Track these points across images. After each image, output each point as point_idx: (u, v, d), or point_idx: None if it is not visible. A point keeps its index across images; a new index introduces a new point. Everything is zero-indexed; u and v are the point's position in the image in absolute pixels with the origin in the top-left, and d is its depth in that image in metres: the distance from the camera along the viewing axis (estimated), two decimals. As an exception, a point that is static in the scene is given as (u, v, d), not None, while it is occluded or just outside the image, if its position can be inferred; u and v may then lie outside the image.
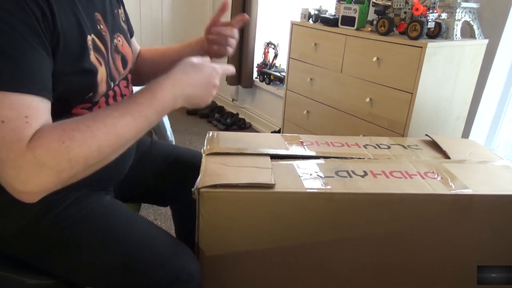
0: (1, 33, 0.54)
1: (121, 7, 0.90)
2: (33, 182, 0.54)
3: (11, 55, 0.55)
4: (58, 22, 0.61)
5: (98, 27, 0.73)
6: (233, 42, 0.96)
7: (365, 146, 1.04)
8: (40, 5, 0.58)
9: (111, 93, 0.79)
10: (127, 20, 0.94)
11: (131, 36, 0.98)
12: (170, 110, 0.69)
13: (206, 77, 0.74)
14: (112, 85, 0.78)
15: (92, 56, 0.69)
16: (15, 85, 0.55)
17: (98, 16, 0.74)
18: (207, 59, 0.77)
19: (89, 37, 0.69)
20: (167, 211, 1.92)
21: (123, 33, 0.86)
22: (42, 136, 0.55)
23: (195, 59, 0.75)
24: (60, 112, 0.64)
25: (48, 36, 0.60)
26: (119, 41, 0.82)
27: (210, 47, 0.98)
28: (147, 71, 1.04)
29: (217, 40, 0.97)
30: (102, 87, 0.73)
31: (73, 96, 0.69)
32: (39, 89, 0.58)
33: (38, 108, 0.57)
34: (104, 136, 0.59)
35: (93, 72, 0.70)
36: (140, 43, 1.07)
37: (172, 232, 1.15)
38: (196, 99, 0.73)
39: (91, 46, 0.69)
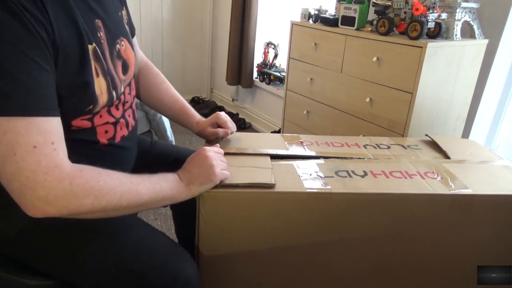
0: (10, 58, 0.56)
1: (124, 8, 0.88)
2: (56, 204, 0.60)
3: (23, 80, 0.57)
4: (57, 35, 0.61)
5: (98, 35, 0.72)
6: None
7: (365, 146, 1.04)
8: (41, 21, 0.58)
9: (115, 101, 0.78)
10: (129, 21, 0.93)
11: (134, 35, 0.98)
12: (182, 194, 0.76)
13: (201, 161, 0.81)
14: (115, 94, 0.76)
15: (93, 67, 0.68)
16: (35, 110, 0.58)
17: (98, 23, 0.72)
18: (208, 147, 0.85)
19: (90, 47, 0.68)
20: (167, 211, 1.91)
21: (126, 37, 0.84)
22: (83, 171, 0.63)
23: (195, 153, 0.83)
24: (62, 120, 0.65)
25: (50, 49, 0.60)
26: (123, 45, 0.80)
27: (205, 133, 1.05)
28: (141, 92, 1.05)
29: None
30: (102, 99, 0.72)
31: (72, 109, 0.69)
32: (53, 109, 0.61)
33: (58, 131, 0.62)
34: (128, 190, 0.67)
35: (92, 84, 0.69)
36: (140, 43, 1.06)
37: (172, 232, 1.15)
38: (201, 179, 0.78)
39: (91, 56, 0.68)
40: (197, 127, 1.04)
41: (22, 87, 0.57)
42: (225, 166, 0.83)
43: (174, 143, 2.14)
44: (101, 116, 0.75)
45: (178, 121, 1.07)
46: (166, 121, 2.05)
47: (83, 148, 0.74)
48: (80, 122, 0.72)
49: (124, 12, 0.87)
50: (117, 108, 0.80)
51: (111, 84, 0.74)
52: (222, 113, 1.03)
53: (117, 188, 0.66)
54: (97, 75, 0.70)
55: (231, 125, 1.02)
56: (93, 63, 0.68)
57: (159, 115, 1.97)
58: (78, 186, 0.61)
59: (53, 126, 0.60)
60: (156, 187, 0.72)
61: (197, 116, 1.06)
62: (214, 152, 0.83)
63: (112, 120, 0.78)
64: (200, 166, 0.79)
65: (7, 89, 0.56)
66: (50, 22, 0.60)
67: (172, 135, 2.12)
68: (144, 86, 1.05)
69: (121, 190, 0.66)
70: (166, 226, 1.82)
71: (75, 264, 0.73)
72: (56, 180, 0.59)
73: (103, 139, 0.77)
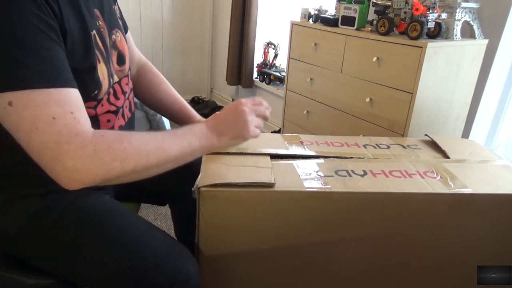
0: (31, 35, 0.57)
1: (116, 4, 0.91)
2: (87, 172, 0.60)
3: (40, 52, 0.58)
4: (65, 19, 0.63)
5: (97, 23, 0.74)
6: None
7: (364, 146, 1.04)
8: (51, 4, 0.60)
9: (111, 90, 0.79)
10: (121, 17, 0.95)
11: (127, 31, 0.99)
12: (211, 145, 0.76)
13: (236, 115, 0.79)
14: (111, 81, 0.78)
15: (96, 53, 0.71)
16: (53, 81, 0.59)
17: (97, 12, 0.75)
18: (245, 100, 0.82)
19: (92, 33, 0.70)
20: (167, 211, 1.91)
21: (121, 29, 0.87)
22: (105, 135, 0.63)
23: (230, 105, 0.82)
24: None
25: (59, 32, 0.62)
26: (118, 36, 0.83)
27: None
28: (141, 93, 1.05)
29: None
30: (104, 84, 0.74)
31: (80, 94, 0.69)
32: (70, 81, 0.62)
33: (77, 101, 0.62)
34: (154, 147, 0.67)
35: (97, 69, 0.71)
36: (140, 43, 1.08)
37: (172, 232, 1.15)
38: (232, 133, 0.78)
39: (94, 43, 0.70)
40: None
41: (39, 59, 0.58)
42: (260, 123, 0.82)
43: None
44: (102, 105, 0.76)
45: (178, 121, 1.07)
46: (166, 121, 2.05)
47: None
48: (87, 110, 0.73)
49: (115, 7, 0.89)
50: (116, 97, 0.81)
51: (109, 72, 0.77)
52: None
53: (142, 147, 0.66)
54: (99, 61, 0.72)
55: None
56: (95, 49, 0.70)
57: (159, 115, 1.97)
58: (102, 151, 0.61)
59: (71, 96, 0.61)
60: (184, 142, 0.71)
61: (197, 116, 1.06)
62: (250, 107, 0.81)
63: (113, 108, 0.80)
64: (234, 119, 0.78)
65: (26, 62, 0.57)
66: (59, 6, 0.62)
67: (172, 135, 2.11)
68: (143, 86, 1.05)
69: (147, 149, 0.66)
70: (166, 226, 1.82)
71: (75, 262, 0.73)
72: (79, 148, 0.59)
73: (105, 128, 0.79)
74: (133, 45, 1.05)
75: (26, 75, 0.57)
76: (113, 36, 0.81)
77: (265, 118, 0.85)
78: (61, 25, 0.62)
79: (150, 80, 1.06)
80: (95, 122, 0.76)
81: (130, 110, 0.90)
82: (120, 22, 0.89)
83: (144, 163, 0.66)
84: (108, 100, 0.78)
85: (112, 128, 0.81)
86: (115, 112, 0.81)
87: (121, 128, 0.84)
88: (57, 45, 0.61)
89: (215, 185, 0.78)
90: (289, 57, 2.15)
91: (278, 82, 2.92)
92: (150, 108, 1.10)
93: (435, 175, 0.89)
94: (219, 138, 0.76)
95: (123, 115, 0.85)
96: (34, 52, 0.57)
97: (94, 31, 0.71)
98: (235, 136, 0.78)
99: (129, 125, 0.89)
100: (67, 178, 0.60)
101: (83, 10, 0.68)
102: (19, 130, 0.59)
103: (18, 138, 0.60)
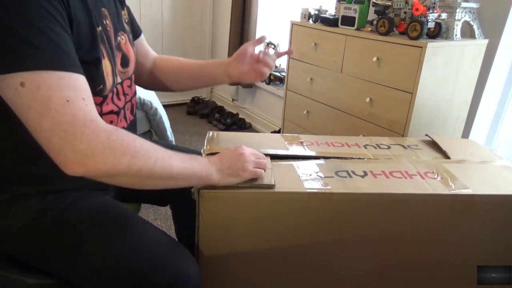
0: (41, 18, 0.57)
1: (125, 9, 0.91)
2: (96, 159, 0.59)
3: (52, 36, 0.58)
4: (72, 11, 0.63)
5: (104, 22, 0.75)
6: (267, 72, 0.97)
7: (365, 146, 1.04)
8: None
9: (114, 90, 0.79)
10: (131, 21, 0.95)
11: (139, 35, 0.99)
12: (209, 177, 0.75)
13: (236, 157, 0.80)
14: (115, 80, 0.79)
15: (101, 48, 0.71)
16: (63, 65, 0.59)
17: (104, 11, 0.76)
18: (243, 147, 0.84)
19: (98, 29, 0.71)
20: (167, 211, 1.91)
21: (127, 33, 0.87)
22: (119, 130, 0.63)
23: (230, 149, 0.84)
24: None
25: (67, 22, 0.62)
26: (122, 39, 0.83)
27: (241, 70, 0.97)
28: (167, 78, 1.04)
29: (253, 65, 0.97)
30: (109, 80, 0.74)
31: None
32: (80, 68, 0.62)
33: (86, 90, 0.62)
34: (161, 158, 0.67)
35: (102, 63, 0.71)
36: (140, 43, 1.07)
37: (172, 232, 1.15)
38: (231, 171, 0.78)
39: (99, 38, 0.71)
40: (229, 76, 0.99)
41: (51, 42, 0.58)
42: (263, 165, 0.82)
43: (174, 143, 2.14)
44: (107, 104, 0.77)
45: (217, 81, 1.03)
46: (166, 121, 2.05)
47: None
48: None
49: (124, 12, 0.89)
50: (118, 98, 0.81)
51: (113, 70, 0.77)
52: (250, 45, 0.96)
53: (152, 153, 0.66)
54: (103, 57, 0.72)
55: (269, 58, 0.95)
56: (100, 45, 0.71)
57: (159, 115, 1.97)
58: (116, 142, 0.61)
59: (81, 83, 0.61)
60: (187, 164, 0.71)
61: (217, 66, 1.00)
62: (250, 152, 0.82)
63: (115, 109, 0.80)
64: (233, 160, 0.79)
65: (37, 43, 0.57)
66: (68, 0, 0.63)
67: (172, 135, 2.12)
68: (167, 72, 1.04)
69: (156, 156, 0.66)
70: (166, 226, 1.82)
71: (75, 262, 0.73)
72: (93, 133, 0.59)
73: None
74: (147, 45, 1.05)
75: (38, 57, 0.57)
76: (119, 38, 0.81)
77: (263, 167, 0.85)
78: (68, 13, 0.62)
79: (170, 64, 1.05)
80: None
81: (131, 112, 0.90)
82: (128, 27, 0.90)
83: (149, 169, 0.65)
84: (112, 99, 0.78)
85: None
86: (117, 113, 0.81)
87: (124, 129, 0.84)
88: (65, 31, 0.61)
89: (215, 187, 0.78)
90: (289, 57, 2.15)
91: (278, 82, 2.92)
92: (183, 90, 1.08)
93: (436, 176, 0.89)
94: (218, 173, 0.76)
95: (125, 117, 0.85)
96: (44, 35, 0.57)
97: (101, 28, 0.72)
98: (232, 174, 0.78)
99: (131, 128, 0.89)
100: (73, 162, 0.59)
101: (90, 6, 0.69)
102: (31, 111, 0.58)
103: (27, 120, 0.59)
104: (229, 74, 0.98)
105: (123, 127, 0.84)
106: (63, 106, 0.57)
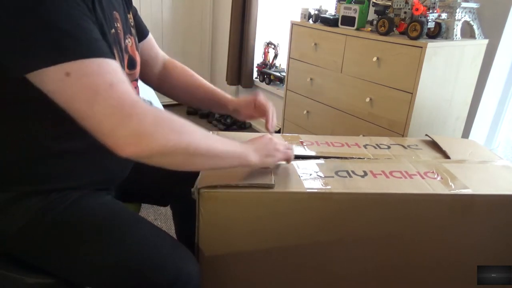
0: (75, 12, 0.60)
1: (130, 12, 0.91)
2: (148, 137, 0.60)
3: (83, 26, 0.60)
4: (95, 13, 0.66)
5: (116, 25, 0.76)
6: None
7: (365, 146, 1.04)
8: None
9: None
10: (138, 22, 0.96)
11: (146, 34, 1.00)
12: (248, 156, 0.77)
13: (266, 139, 0.84)
14: None
15: (113, 48, 0.72)
16: (100, 52, 0.61)
17: (116, 14, 0.76)
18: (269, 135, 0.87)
19: (111, 31, 0.72)
20: (167, 211, 1.91)
21: (133, 36, 0.87)
22: (162, 109, 0.65)
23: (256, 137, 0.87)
24: None
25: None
26: (129, 42, 0.84)
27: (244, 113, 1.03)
28: (178, 91, 1.06)
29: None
30: None
31: None
32: (112, 54, 0.65)
33: (123, 73, 0.64)
34: (204, 136, 0.69)
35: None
36: (140, 43, 1.07)
37: (172, 232, 1.15)
38: (265, 152, 0.81)
39: (112, 40, 0.72)
40: (231, 109, 1.03)
41: (86, 32, 0.60)
42: (290, 148, 0.86)
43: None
44: None
45: (213, 109, 1.07)
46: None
47: (94, 138, 0.76)
48: None
49: (129, 15, 0.90)
50: None
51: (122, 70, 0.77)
52: (262, 96, 0.99)
53: (196, 131, 0.67)
54: (115, 59, 0.73)
55: (272, 117, 0.98)
56: (113, 47, 0.72)
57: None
58: (163, 120, 0.63)
59: (118, 67, 0.63)
60: (227, 144, 0.73)
61: (229, 100, 1.03)
62: (276, 138, 0.85)
63: None
64: (264, 143, 0.82)
65: (75, 34, 0.59)
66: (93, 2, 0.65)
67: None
68: (172, 84, 1.05)
69: (199, 134, 0.68)
70: (166, 226, 1.82)
71: (75, 262, 0.73)
72: (142, 112, 0.60)
73: None
74: (156, 46, 1.05)
75: (77, 46, 0.58)
76: (126, 41, 0.82)
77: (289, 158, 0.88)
78: (92, 15, 0.65)
79: (178, 77, 1.05)
80: None
81: None
82: (134, 31, 0.90)
83: (196, 147, 0.66)
84: None
85: None
86: None
87: None
88: (93, 24, 0.63)
89: (215, 186, 0.78)
90: (289, 57, 2.15)
91: (278, 82, 2.92)
92: (183, 103, 1.10)
93: (436, 176, 0.89)
94: (254, 153, 0.78)
95: None
96: (80, 26, 0.59)
97: (113, 30, 0.73)
98: (268, 155, 0.80)
99: None
100: (126, 143, 0.60)
101: (105, 9, 0.71)
102: (80, 99, 0.59)
103: (76, 109, 0.60)
104: (238, 111, 1.03)
105: None
106: (108, 90, 0.59)
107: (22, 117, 0.70)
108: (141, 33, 0.97)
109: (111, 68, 0.62)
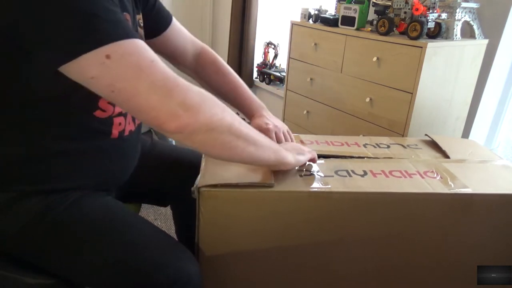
0: (110, 3, 0.61)
1: (140, 13, 0.90)
2: (194, 110, 0.61)
3: (118, 13, 0.62)
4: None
5: None
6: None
7: (364, 146, 1.04)
8: None
9: None
10: (159, 12, 0.95)
11: (170, 22, 0.97)
12: (280, 153, 0.79)
13: (291, 144, 0.90)
14: None
15: None
16: (134, 35, 0.62)
17: (126, 16, 0.76)
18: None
19: None
20: (167, 211, 1.92)
21: (141, 38, 0.87)
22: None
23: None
24: (87, 102, 0.71)
25: None
26: None
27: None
28: (211, 92, 1.04)
29: None
30: None
31: None
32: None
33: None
34: (240, 120, 0.69)
35: None
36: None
37: (172, 232, 1.15)
38: (295, 151, 0.84)
39: None
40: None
41: (116, 15, 0.61)
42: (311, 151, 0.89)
43: (174, 143, 2.14)
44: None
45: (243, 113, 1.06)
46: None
47: (97, 139, 0.77)
48: (105, 104, 0.74)
49: (139, 16, 0.89)
50: None
51: None
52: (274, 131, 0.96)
53: (235, 115, 0.69)
54: None
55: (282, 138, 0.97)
56: None
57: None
58: (206, 94, 0.64)
59: (148, 47, 0.63)
60: (260, 135, 0.74)
61: (249, 113, 1.03)
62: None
63: (124, 111, 0.80)
64: (290, 145, 0.86)
65: (109, 18, 0.59)
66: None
67: (172, 135, 2.11)
68: (204, 78, 1.04)
69: (238, 118, 0.69)
70: (166, 226, 1.82)
71: (75, 262, 0.73)
72: (186, 85, 0.62)
73: (115, 130, 0.79)
74: (185, 35, 1.02)
75: (112, 29, 0.59)
76: None
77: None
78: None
79: (209, 78, 1.04)
80: (109, 124, 0.77)
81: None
82: (141, 31, 0.90)
83: (237, 126, 0.67)
84: None
85: (123, 131, 0.81)
86: (125, 116, 0.81)
87: (132, 133, 0.84)
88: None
89: (215, 186, 0.78)
90: (289, 57, 2.15)
91: (278, 82, 2.92)
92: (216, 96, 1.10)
93: (435, 175, 0.89)
94: (287, 151, 0.79)
95: (133, 120, 0.85)
96: (113, 12, 0.60)
97: None
98: (299, 153, 0.83)
99: (138, 131, 0.90)
100: (175, 117, 0.60)
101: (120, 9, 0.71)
102: (124, 78, 0.59)
103: (120, 89, 0.59)
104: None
105: (131, 130, 0.84)
106: (151, 66, 0.60)
107: (25, 118, 0.70)
108: (160, 25, 0.95)
109: (146, 47, 0.62)
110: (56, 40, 0.57)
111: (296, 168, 0.87)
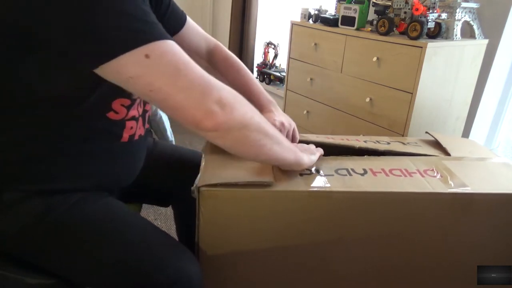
0: (136, 0, 0.60)
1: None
2: (230, 107, 0.62)
3: (152, 14, 0.62)
4: None
5: None
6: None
7: (364, 142, 1.04)
8: None
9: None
10: (173, 13, 0.94)
11: (184, 22, 0.97)
12: (296, 153, 0.80)
13: (302, 145, 0.89)
14: None
15: None
16: (168, 35, 0.62)
17: None
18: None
19: None
20: (167, 211, 1.92)
21: None
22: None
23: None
24: (101, 104, 0.72)
25: None
26: None
27: None
28: (225, 80, 1.04)
29: None
30: None
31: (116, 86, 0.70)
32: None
33: None
34: (264, 119, 0.71)
35: None
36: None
37: (172, 232, 1.15)
38: (307, 152, 0.85)
39: None
40: None
41: (151, 16, 0.61)
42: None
43: (174, 143, 2.14)
44: (133, 109, 0.78)
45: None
46: (166, 121, 2.05)
47: (105, 141, 0.77)
48: (119, 107, 0.74)
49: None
50: (140, 105, 0.82)
51: None
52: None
53: (260, 114, 0.70)
54: None
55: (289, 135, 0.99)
56: None
57: (159, 115, 1.97)
58: (236, 93, 0.65)
59: (181, 49, 0.64)
60: (282, 135, 0.75)
61: (260, 106, 1.03)
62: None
63: (137, 115, 0.80)
64: (300, 145, 0.87)
65: (146, 19, 0.60)
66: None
67: (172, 135, 2.12)
68: (218, 75, 1.04)
69: (263, 117, 0.70)
70: (166, 226, 1.82)
71: (76, 262, 0.73)
72: (220, 84, 0.63)
73: (126, 134, 0.79)
74: (199, 32, 1.02)
75: (149, 29, 0.59)
76: None
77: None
78: None
79: (223, 71, 1.04)
80: (121, 126, 0.77)
81: (148, 121, 0.90)
82: None
83: (264, 125, 0.69)
84: (138, 104, 0.79)
85: (133, 136, 0.81)
86: (137, 120, 0.81)
87: (141, 137, 0.85)
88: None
89: (215, 185, 0.78)
90: (289, 57, 2.15)
91: (278, 82, 2.92)
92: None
93: (435, 174, 0.89)
94: (303, 154, 0.81)
95: (143, 124, 0.85)
96: (142, 9, 0.60)
97: None
98: (311, 153, 0.84)
99: (146, 135, 0.90)
100: (213, 114, 0.61)
101: None
102: (162, 77, 0.59)
103: (159, 89, 0.60)
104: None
105: (140, 135, 0.84)
106: (188, 64, 0.61)
107: (29, 119, 0.70)
108: (176, 25, 0.95)
109: (180, 48, 0.63)
110: (96, 40, 0.57)
111: None
